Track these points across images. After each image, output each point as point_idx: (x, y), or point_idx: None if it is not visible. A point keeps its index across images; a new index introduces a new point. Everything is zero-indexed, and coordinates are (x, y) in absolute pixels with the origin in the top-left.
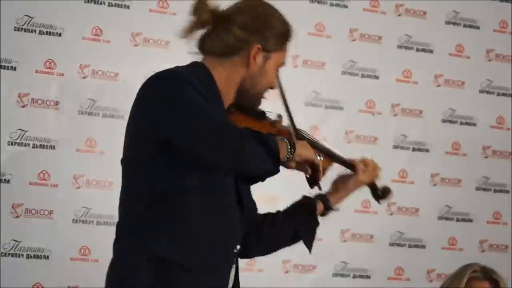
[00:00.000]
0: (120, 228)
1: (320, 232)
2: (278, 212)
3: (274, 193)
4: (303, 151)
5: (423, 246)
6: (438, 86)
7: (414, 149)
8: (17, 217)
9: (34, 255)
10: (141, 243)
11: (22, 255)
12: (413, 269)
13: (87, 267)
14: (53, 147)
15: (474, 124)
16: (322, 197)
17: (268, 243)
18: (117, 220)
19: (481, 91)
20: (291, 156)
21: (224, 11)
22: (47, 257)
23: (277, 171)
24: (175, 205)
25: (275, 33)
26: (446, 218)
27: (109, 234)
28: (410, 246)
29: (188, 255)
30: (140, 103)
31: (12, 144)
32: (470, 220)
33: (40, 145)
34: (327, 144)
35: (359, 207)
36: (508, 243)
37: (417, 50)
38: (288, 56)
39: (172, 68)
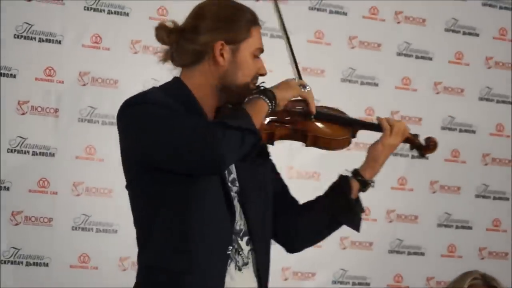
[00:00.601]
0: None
1: None
2: (314, 199)
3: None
4: (285, 93)
5: (423, 254)
6: (438, 93)
7: (413, 156)
8: (16, 224)
9: (34, 263)
10: (141, 256)
11: (22, 263)
12: (413, 276)
13: (87, 274)
14: (52, 155)
15: (474, 132)
16: (355, 173)
17: (308, 234)
18: (116, 227)
19: (481, 99)
20: (275, 104)
21: (183, 24)
22: (47, 265)
23: (258, 138)
24: (162, 217)
25: (236, 24)
26: (446, 226)
27: (109, 241)
28: (409, 254)
29: (175, 260)
30: (119, 133)
31: (11, 151)
32: (470, 228)
33: (40, 152)
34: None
35: None
36: (508, 250)
37: (417, 57)
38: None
39: (141, 92)
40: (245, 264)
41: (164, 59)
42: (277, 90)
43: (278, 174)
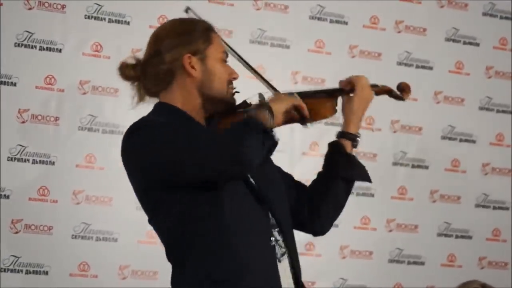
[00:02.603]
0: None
1: (319, 248)
2: (317, 176)
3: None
4: (279, 106)
5: (422, 263)
6: (438, 103)
7: (413, 166)
8: (16, 232)
9: (33, 271)
10: (182, 277)
11: (22, 271)
12: (412, 285)
13: (86, 283)
14: (52, 163)
15: (474, 141)
16: (340, 135)
17: (330, 208)
18: (116, 235)
19: (481, 108)
20: (272, 119)
21: (144, 55)
22: (46, 273)
23: (275, 140)
24: (198, 233)
25: (195, 35)
26: (445, 235)
27: (108, 250)
28: (409, 263)
29: (221, 268)
30: (129, 168)
31: (12, 159)
32: (470, 237)
33: (40, 160)
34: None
35: (358, 224)
36: (508, 260)
37: (417, 67)
38: (287, 72)
39: (140, 119)
40: (283, 254)
41: (140, 97)
42: (271, 103)
43: (279, 167)
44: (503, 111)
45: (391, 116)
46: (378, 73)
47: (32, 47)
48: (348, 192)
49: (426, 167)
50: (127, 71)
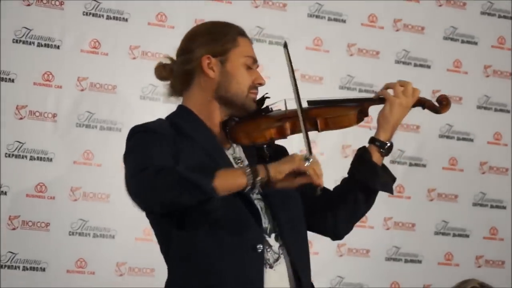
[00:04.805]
0: None
1: (316, 246)
2: (341, 181)
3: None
4: (282, 167)
5: (419, 261)
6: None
7: (411, 164)
8: (13, 229)
9: (31, 267)
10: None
11: (19, 267)
12: (409, 284)
13: (83, 279)
14: (50, 159)
15: (471, 140)
16: (371, 140)
17: (344, 214)
18: (113, 232)
19: (479, 107)
20: (266, 179)
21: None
22: (44, 269)
23: (206, 197)
24: (171, 238)
25: (221, 36)
26: (443, 234)
27: (106, 246)
28: (406, 261)
29: (192, 277)
30: None
31: (9, 156)
32: (467, 236)
33: (38, 157)
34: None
35: None
36: (504, 259)
37: (415, 65)
38: (285, 70)
39: (142, 123)
40: (276, 260)
41: (170, 94)
42: (275, 164)
43: None
44: (501, 110)
45: None
46: (376, 72)
47: (30, 44)
48: (368, 200)
49: (424, 166)
50: (160, 71)
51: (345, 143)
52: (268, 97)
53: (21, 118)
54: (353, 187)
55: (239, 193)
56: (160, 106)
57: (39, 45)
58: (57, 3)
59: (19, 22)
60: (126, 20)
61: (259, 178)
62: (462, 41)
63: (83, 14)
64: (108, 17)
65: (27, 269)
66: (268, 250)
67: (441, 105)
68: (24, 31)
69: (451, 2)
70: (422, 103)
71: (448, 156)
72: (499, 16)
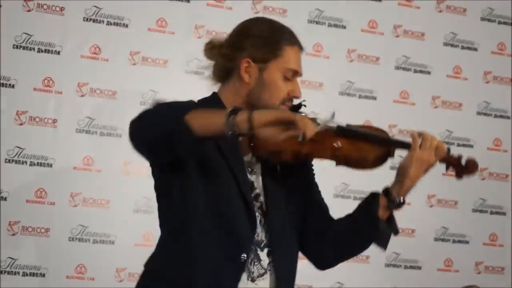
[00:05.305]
0: None
1: None
2: (344, 217)
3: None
4: (266, 114)
5: (419, 267)
6: (436, 107)
7: None
8: (13, 234)
9: (30, 273)
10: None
11: (18, 273)
12: None
13: (83, 285)
14: (50, 165)
15: (471, 146)
16: (384, 191)
17: (332, 253)
18: (113, 238)
19: (479, 113)
20: (241, 119)
21: (225, 40)
22: (43, 275)
23: (176, 127)
24: (169, 222)
25: (268, 42)
26: (442, 240)
27: (105, 252)
28: (406, 267)
29: (176, 269)
30: None
31: (9, 161)
32: (466, 242)
33: (38, 163)
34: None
35: None
36: (504, 265)
37: (415, 71)
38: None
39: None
40: (261, 275)
41: (211, 75)
42: (261, 110)
43: (316, 191)
44: (501, 116)
45: (389, 120)
46: (376, 78)
47: (30, 49)
48: (361, 248)
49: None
50: (206, 48)
51: None
52: (305, 105)
53: (21, 124)
54: (349, 234)
55: (243, 198)
56: None
57: (39, 50)
58: (58, 8)
59: (19, 28)
60: (127, 26)
61: (239, 118)
62: (462, 47)
63: (84, 20)
64: (109, 23)
65: (27, 274)
66: (256, 263)
67: (466, 169)
68: (24, 36)
69: (451, 8)
70: (447, 162)
71: None
72: (499, 22)
